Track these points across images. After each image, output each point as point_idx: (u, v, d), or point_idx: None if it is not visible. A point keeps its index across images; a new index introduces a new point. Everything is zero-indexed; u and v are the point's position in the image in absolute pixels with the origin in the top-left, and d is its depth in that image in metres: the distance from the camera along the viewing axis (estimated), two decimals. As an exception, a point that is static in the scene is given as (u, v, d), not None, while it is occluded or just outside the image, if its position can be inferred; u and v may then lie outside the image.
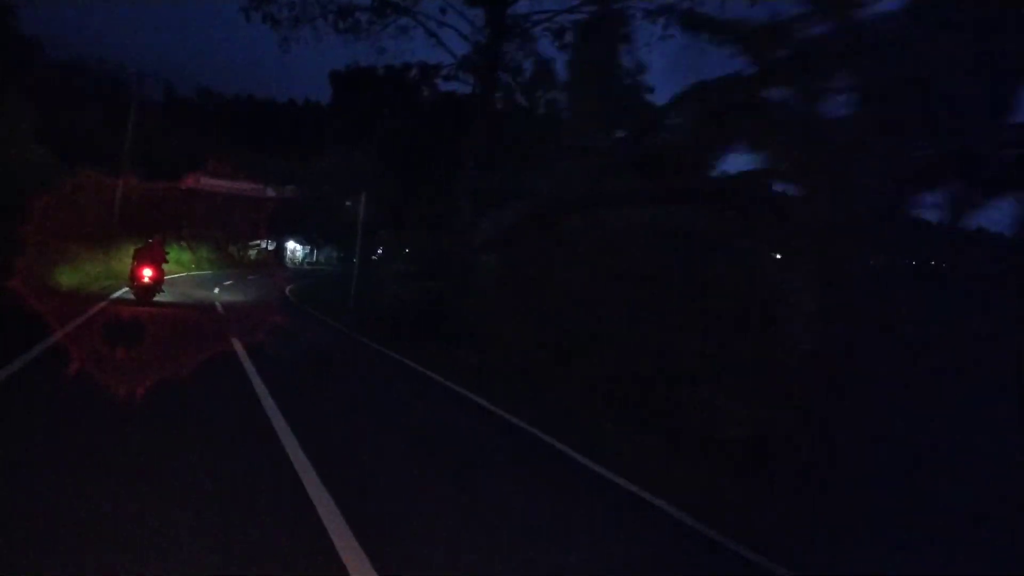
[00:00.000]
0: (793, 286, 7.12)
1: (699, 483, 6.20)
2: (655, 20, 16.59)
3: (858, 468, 6.39)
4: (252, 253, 47.61)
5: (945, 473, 6.13)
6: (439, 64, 25.85)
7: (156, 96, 43.95)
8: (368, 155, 31.24)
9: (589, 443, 7.10)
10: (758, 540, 4.82)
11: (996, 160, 6.91)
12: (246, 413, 6.73)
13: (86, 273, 20.13)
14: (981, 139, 6.88)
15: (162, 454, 5.03)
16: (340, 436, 6.52)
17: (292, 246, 60.34)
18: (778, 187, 8.85)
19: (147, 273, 16.11)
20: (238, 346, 10.96)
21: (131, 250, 17.34)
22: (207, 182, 33.18)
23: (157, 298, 16.53)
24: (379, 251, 30.97)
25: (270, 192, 33.92)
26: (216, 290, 25.46)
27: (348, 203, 23.75)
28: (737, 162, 9.72)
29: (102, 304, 14.72)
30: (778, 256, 8.64)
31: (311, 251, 62.90)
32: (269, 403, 7.10)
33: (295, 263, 59.33)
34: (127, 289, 17.02)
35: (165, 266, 17.28)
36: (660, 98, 11.61)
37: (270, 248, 52.34)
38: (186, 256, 34.65)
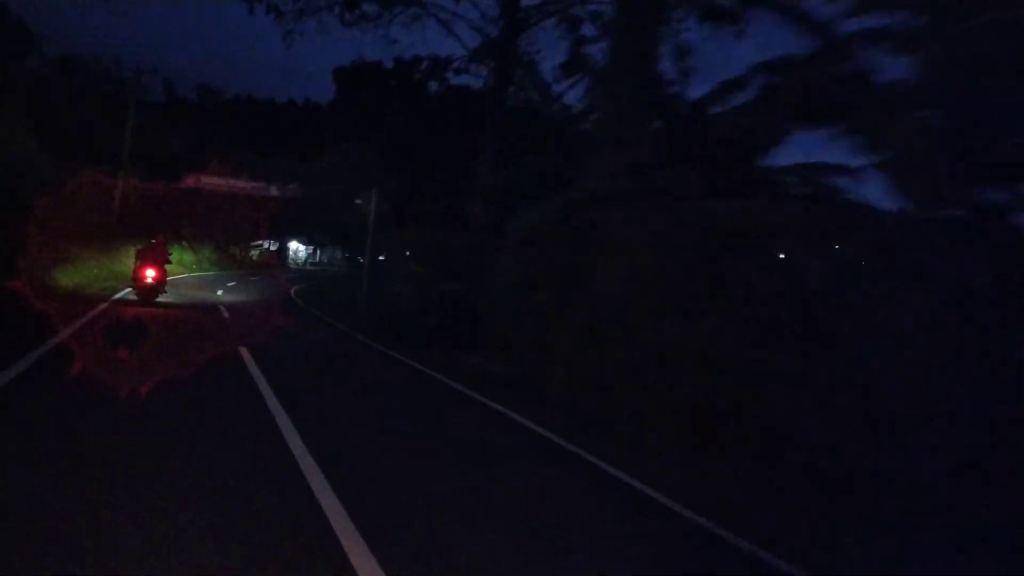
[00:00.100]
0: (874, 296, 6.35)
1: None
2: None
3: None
4: (254, 254, 46.91)
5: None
6: (450, 57, 25.03)
7: (156, 95, 43.47)
8: (374, 152, 30.53)
9: (688, 489, 5.64)
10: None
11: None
12: (264, 445, 5.87)
13: (86, 273, 20.13)
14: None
15: (165, 454, 4.92)
16: (364, 459, 5.64)
17: (295, 246, 59.57)
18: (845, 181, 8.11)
19: (150, 274, 15.97)
20: (246, 354, 10.20)
21: (131, 251, 17.36)
22: (208, 181, 32.58)
23: (159, 299, 16.39)
24: (383, 251, 30.20)
25: (273, 191, 33.27)
26: (219, 292, 24.74)
27: (359, 201, 23.00)
28: (793, 155, 8.96)
29: (104, 305, 14.59)
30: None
31: (314, 251, 62.13)
32: (294, 440, 6.15)
33: (298, 264, 58.62)
34: (129, 290, 16.92)
35: (167, 267, 17.17)
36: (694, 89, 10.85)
37: (272, 248, 51.60)
38: (188, 257, 33.98)
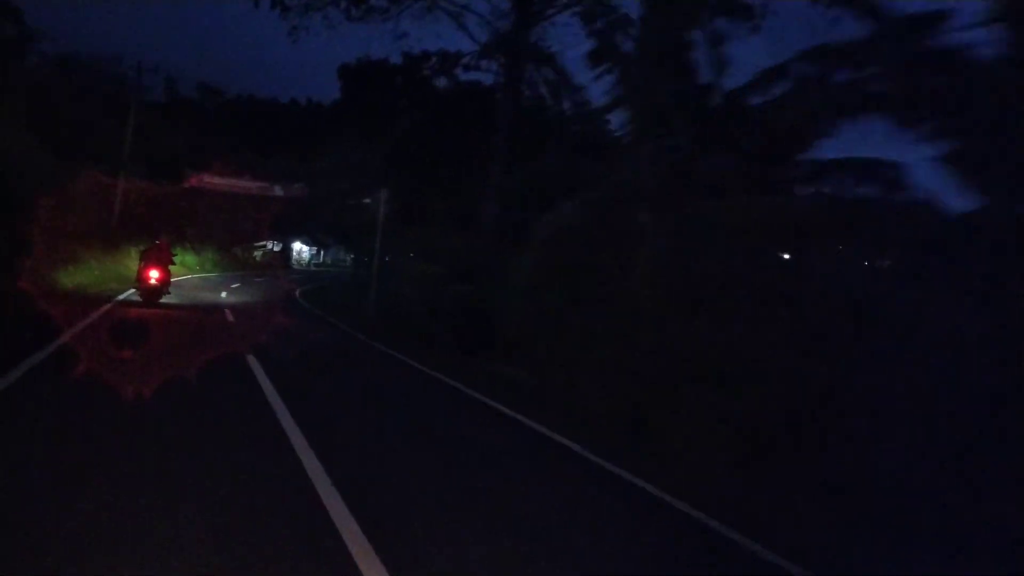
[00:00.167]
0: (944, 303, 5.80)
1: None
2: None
3: None
4: (257, 254, 46.38)
5: None
6: (459, 52, 24.51)
7: (157, 94, 42.99)
8: (379, 151, 29.95)
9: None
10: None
11: None
12: (274, 457, 5.33)
13: (87, 274, 19.81)
14: None
15: (169, 455, 4.87)
16: (369, 462, 5.14)
17: (298, 247, 59.04)
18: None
19: (154, 275, 15.71)
20: (251, 358, 9.70)
21: (131, 251, 17.05)
22: (211, 181, 32.06)
23: (163, 300, 16.11)
24: (389, 251, 29.63)
25: (278, 190, 32.71)
26: (223, 294, 24.21)
27: (367, 200, 22.50)
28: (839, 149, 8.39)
29: (107, 306, 14.46)
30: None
31: (318, 252, 61.65)
32: (299, 442, 5.61)
33: (302, 264, 58.13)
34: (132, 291, 16.70)
35: (171, 268, 16.90)
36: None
37: (276, 249, 51.06)
38: (190, 258, 33.51)
